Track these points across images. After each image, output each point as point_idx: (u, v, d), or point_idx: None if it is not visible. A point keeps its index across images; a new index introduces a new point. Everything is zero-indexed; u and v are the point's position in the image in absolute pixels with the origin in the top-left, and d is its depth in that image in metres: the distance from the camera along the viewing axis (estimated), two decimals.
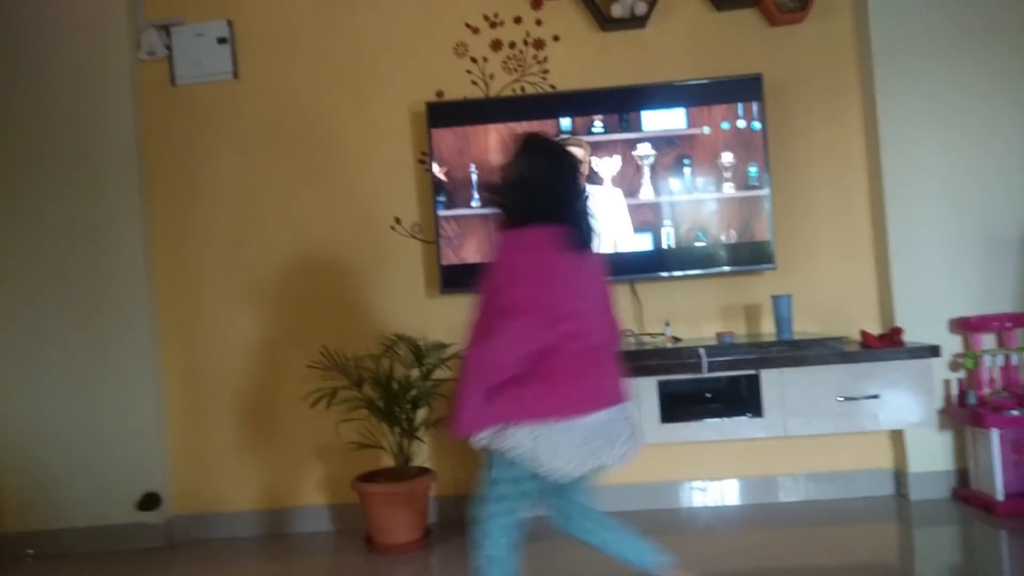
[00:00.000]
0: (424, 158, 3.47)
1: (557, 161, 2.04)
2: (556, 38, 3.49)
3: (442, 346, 3.32)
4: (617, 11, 3.40)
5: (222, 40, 3.53)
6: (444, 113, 3.39)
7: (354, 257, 3.51)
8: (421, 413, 3.26)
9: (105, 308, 3.42)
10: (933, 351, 3.00)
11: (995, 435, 3.02)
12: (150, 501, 3.39)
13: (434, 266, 3.42)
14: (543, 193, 1.97)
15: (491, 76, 3.51)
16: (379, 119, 3.52)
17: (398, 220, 3.51)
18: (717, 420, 3.07)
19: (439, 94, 3.49)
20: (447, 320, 3.42)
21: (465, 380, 1.89)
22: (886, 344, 3.07)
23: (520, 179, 2.01)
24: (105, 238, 3.43)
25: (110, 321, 3.41)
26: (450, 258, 3.37)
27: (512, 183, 2.03)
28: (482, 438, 1.93)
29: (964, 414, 3.15)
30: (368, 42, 3.53)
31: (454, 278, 3.36)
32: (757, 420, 3.05)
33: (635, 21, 3.42)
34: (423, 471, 3.27)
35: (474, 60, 3.51)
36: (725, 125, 3.32)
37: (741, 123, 3.32)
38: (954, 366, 3.30)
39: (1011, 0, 3.32)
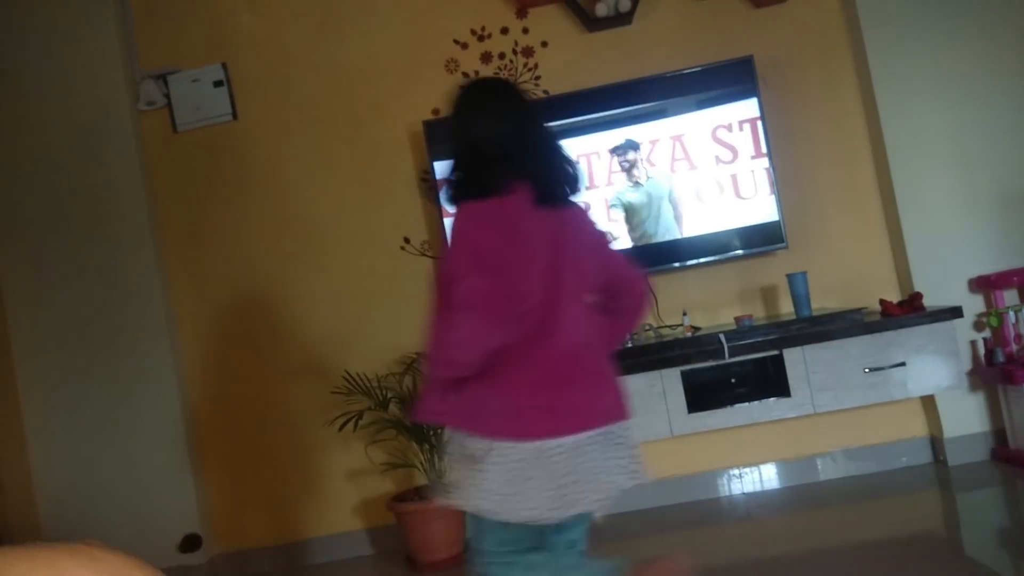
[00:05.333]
0: (426, 176, 3.50)
1: (496, 103, 1.67)
2: (544, 44, 3.53)
3: None
4: (602, 10, 3.42)
5: (218, 83, 3.59)
6: (441, 130, 3.42)
7: (367, 281, 3.54)
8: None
9: (130, 356, 3.46)
10: (955, 312, 2.97)
11: None
12: (191, 542, 3.42)
13: None
14: (491, 150, 1.61)
15: None
16: (379, 144, 3.56)
17: (407, 240, 3.54)
18: (744, 405, 3.05)
19: (435, 112, 3.53)
20: None
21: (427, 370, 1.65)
22: (907, 311, 3.04)
23: (463, 140, 1.66)
24: (124, 289, 3.48)
25: (136, 369, 3.46)
26: None
27: (457, 148, 1.67)
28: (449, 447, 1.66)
29: (994, 373, 3.11)
30: (361, 70, 3.58)
31: None
32: (785, 400, 3.02)
33: (620, 19, 3.44)
34: None
35: (466, 75, 3.55)
36: (722, 110, 3.33)
37: (738, 106, 3.32)
38: (978, 326, 3.27)
39: None
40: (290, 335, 3.54)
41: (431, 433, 3.19)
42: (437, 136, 3.40)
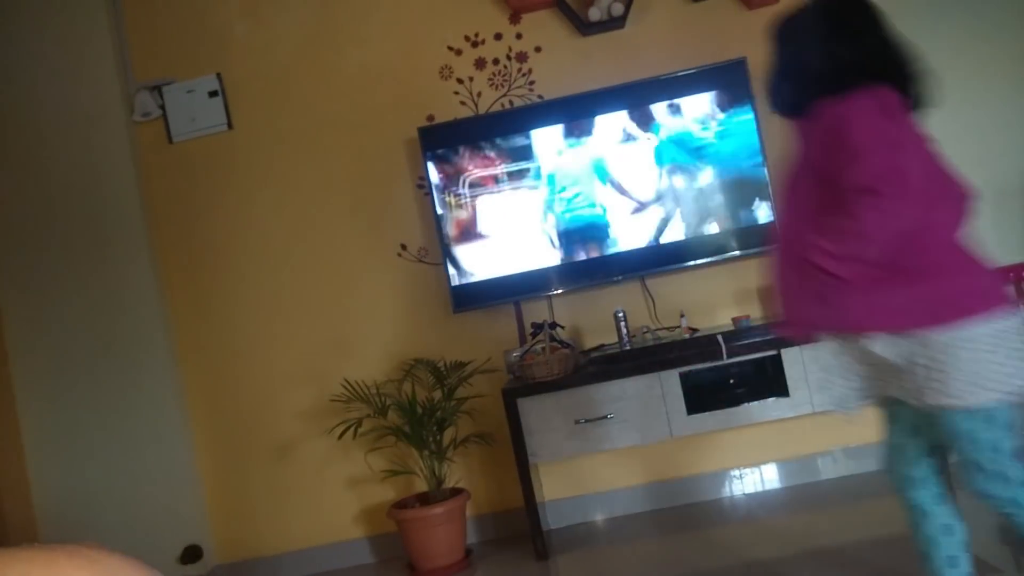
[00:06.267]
0: (422, 183, 3.50)
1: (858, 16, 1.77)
2: (538, 49, 3.54)
3: (461, 365, 3.32)
4: (595, 15, 3.43)
5: (213, 93, 3.60)
6: (436, 136, 3.43)
7: (364, 288, 3.54)
8: (448, 433, 3.26)
9: (129, 368, 3.46)
10: None
11: None
12: (192, 554, 3.40)
13: (444, 288, 3.44)
14: (863, 46, 1.74)
15: (479, 94, 3.55)
16: (374, 151, 3.57)
17: (404, 247, 3.54)
18: (744, 405, 3.04)
19: (430, 118, 3.53)
20: (463, 339, 3.45)
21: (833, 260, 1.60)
22: None
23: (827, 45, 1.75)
24: (121, 299, 3.48)
25: (135, 380, 3.45)
26: (459, 278, 3.38)
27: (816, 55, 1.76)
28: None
29: None
30: (355, 77, 3.58)
31: (465, 297, 3.38)
32: (783, 400, 3.02)
33: (613, 22, 3.46)
34: (457, 492, 3.27)
35: (460, 81, 3.56)
36: (716, 111, 3.34)
37: (732, 107, 3.33)
38: None
39: None
40: (288, 343, 3.54)
41: (431, 439, 3.19)
42: (432, 142, 3.41)
